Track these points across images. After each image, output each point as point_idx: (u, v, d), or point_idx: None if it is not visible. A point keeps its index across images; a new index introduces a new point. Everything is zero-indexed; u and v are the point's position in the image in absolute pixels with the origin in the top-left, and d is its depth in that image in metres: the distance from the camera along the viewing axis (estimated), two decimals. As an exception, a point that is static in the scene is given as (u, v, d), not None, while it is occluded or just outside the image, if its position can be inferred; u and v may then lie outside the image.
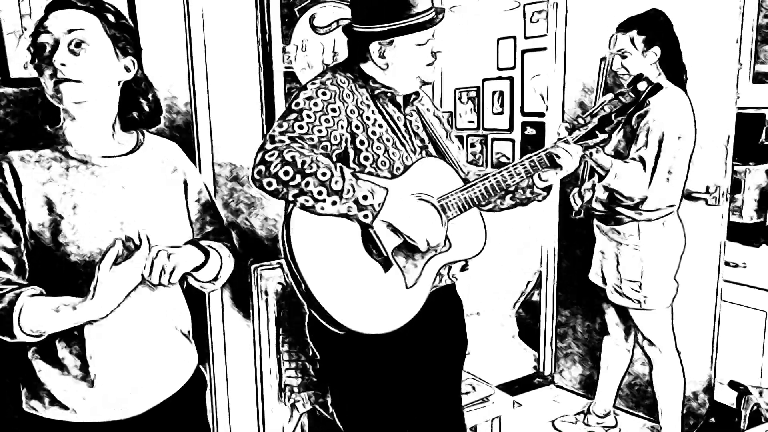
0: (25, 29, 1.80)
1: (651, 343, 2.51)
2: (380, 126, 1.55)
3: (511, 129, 4.35)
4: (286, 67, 2.26)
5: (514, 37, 4.18)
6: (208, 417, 1.52)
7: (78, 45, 1.17)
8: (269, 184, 1.39)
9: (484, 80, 4.42)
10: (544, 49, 3.18)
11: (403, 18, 1.50)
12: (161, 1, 1.95)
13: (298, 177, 1.37)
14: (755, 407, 2.41)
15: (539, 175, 1.62)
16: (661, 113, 2.26)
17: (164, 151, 1.39)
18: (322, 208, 1.40)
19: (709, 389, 2.67)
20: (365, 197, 1.41)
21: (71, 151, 1.25)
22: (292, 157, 1.38)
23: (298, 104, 1.47)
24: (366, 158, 1.52)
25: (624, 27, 2.33)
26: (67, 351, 1.23)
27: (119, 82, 1.27)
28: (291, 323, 2.22)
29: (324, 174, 1.38)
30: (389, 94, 1.58)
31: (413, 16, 1.50)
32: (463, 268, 1.71)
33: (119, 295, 1.16)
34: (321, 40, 2.31)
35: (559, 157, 1.56)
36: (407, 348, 1.61)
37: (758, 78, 2.69)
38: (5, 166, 1.19)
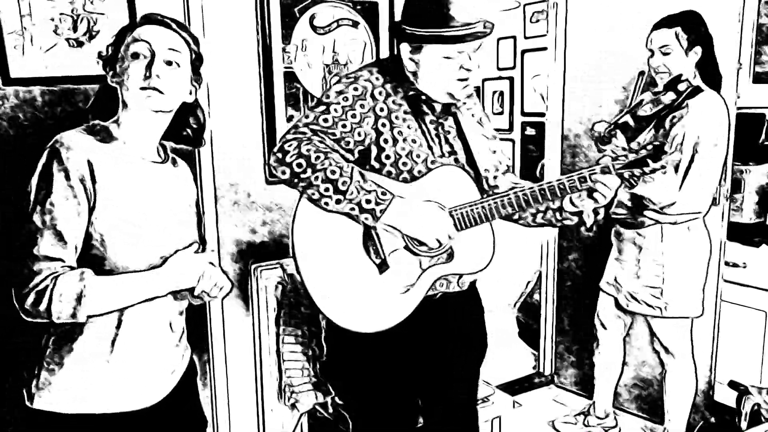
0: (25, 29, 1.80)
1: (667, 351, 2.47)
2: (408, 127, 1.53)
3: (511, 129, 4.35)
4: (286, 67, 2.26)
5: (514, 37, 4.18)
6: (201, 402, 1.57)
7: (169, 63, 1.31)
8: (283, 172, 1.43)
9: (484, 80, 4.43)
10: (544, 49, 3.18)
11: (438, 27, 1.45)
12: (161, 1, 1.95)
13: (309, 170, 1.41)
14: (755, 407, 2.41)
15: (570, 200, 1.54)
16: (698, 117, 2.15)
17: (183, 165, 1.48)
18: (326, 204, 1.43)
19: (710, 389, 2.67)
20: (368, 201, 1.42)
21: (129, 149, 1.31)
22: (308, 150, 1.41)
23: (328, 97, 1.48)
24: (387, 156, 1.51)
25: (667, 23, 2.22)
26: (83, 345, 1.27)
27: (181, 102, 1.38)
28: (292, 321, 2.22)
29: (333, 172, 1.40)
30: (424, 98, 1.55)
31: (450, 27, 1.45)
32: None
33: (190, 277, 1.29)
34: (321, 40, 2.31)
35: (595, 190, 1.48)
36: (424, 347, 1.61)
37: (758, 78, 2.69)
38: (81, 157, 1.22)
